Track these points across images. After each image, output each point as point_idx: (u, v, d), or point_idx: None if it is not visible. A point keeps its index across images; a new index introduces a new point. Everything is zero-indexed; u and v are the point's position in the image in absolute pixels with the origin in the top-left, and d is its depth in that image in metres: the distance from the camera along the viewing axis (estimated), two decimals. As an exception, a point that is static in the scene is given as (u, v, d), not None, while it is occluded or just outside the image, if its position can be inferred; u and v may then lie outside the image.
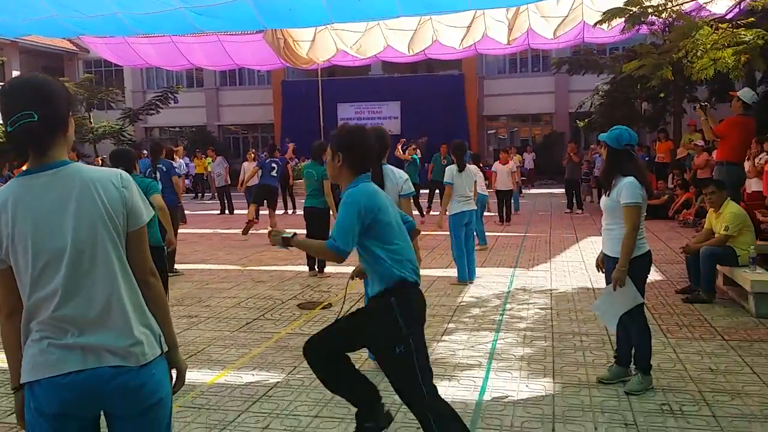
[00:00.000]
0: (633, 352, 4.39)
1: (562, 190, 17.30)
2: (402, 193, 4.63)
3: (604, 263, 4.54)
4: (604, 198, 4.51)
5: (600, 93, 19.43)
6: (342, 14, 13.51)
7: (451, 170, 7.74)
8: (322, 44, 20.16)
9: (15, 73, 31.30)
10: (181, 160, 15.45)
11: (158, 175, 8.78)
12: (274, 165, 11.81)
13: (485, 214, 12.09)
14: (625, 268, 4.23)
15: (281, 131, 30.40)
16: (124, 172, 2.08)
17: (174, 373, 2.17)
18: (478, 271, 8.41)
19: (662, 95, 16.83)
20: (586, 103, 21.93)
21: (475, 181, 8.00)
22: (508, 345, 5.29)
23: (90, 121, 29.71)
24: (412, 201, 4.72)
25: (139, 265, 2.05)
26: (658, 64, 7.66)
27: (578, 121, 19.78)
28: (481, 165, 14.71)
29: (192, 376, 4.69)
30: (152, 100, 31.20)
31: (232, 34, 19.99)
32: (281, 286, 7.80)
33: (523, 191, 20.84)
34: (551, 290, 7.29)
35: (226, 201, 17.56)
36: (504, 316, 6.19)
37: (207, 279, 8.39)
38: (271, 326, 6.02)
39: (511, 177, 14.62)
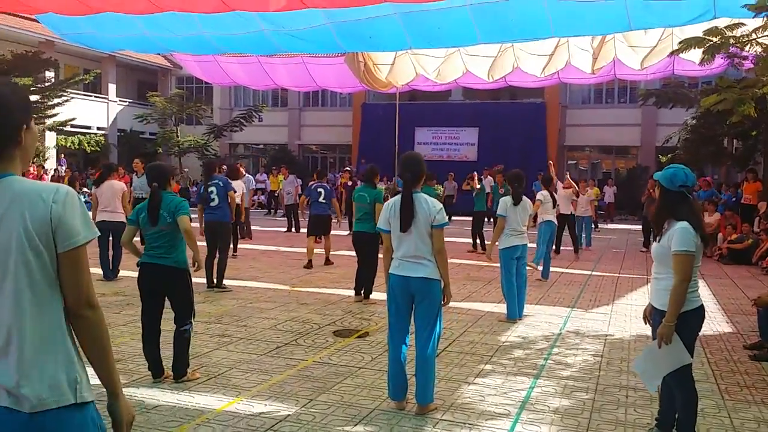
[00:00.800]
0: (677, 416, 3.91)
1: (641, 227, 16.46)
2: (434, 224, 4.36)
3: (652, 316, 4.08)
4: (654, 243, 4.07)
5: (687, 128, 18.43)
6: (421, 40, 13.43)
7: (505, 202, 7.37)
8: (402, 68, 20.17)
9: (111, 87, 32.98)
10: (248, 176, 15.57)
11: (215, 190, 8.78)
12: (320, 190, 11.13)
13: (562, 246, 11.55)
14: (673, 323, 3.77)
15: (358, 152, 30.57)
16: (64, 187, 1.84)
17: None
18: (532, 308, 7.98)
19: (754, 133, 15.75)
20: (673, 137, 20.89)
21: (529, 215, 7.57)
22: (545, 394, 4.87)
23: (177, 135, 30.82)
24: (444, 231, 4.43)
25: (72, 294, 1.80)
26: (740, 99, 7.06)
27: (661, 156, 18.83)
28: (553, 190, 14.18)
29: (204, 400, 4.55)
30: (237, 118, 32.12)
31: (316, 56, 20.31)
32: (323, 310, 7.61)
33: (599, 225, 20.01)
34: (606, 336, 6.76)
35: (293, 219, 17.65)
36: (548, 361, 5.75)
37: (252, 297, 8.30)
38: (300, 353, 5.81)
39: (588, 205, 14.24)
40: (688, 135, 17.98)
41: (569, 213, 13.29)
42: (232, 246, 11.94)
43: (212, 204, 8.82)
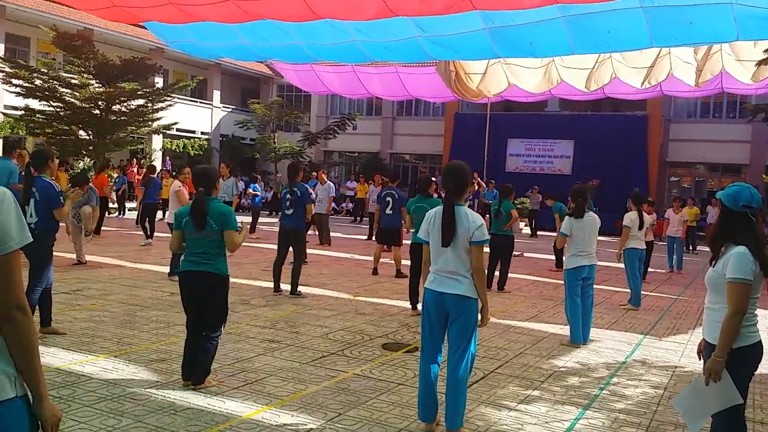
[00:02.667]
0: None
1: (742, 251, 15.29)
2: (473, 240, 4.15)
3: (704, 350, 3.69)
4: (709, 269, 3.68)
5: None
6: (507, 50, 13.13)
7: (569, 220, 6.98)
8: (494, 78, 19.83)
9: (216, 93, 34.37)
10: (330, 183, 15.71)
11: (292, 198, 8.72)
12: (389, 199, 10.59)
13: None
14: (723, 358, 3.39)
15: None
16: (3, 189, 1.83)
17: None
18: (602, 333, 7.54)
19: None
20: (785, 156, 19.40)
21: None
22: (590, 427, 4.53)
23: (274, 141, 31.74)
24: (483, 248, 4.20)
25: (2, 297, 1.79)
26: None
27: (765, 176, 17.49)
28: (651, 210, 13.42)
29: (234, 406, 4.53)
30: (331, 125, 32.73)
31: (409, 66, 20.33)
32: (379, 322, 7.48)
33: (698, 248, 18.82)
34: (675, 367, 6.25)
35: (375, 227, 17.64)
36: (603, 391, 5.36)
37: (313, 304, 8.30)
38: (343, 363, 5.71)
39: (680, 225, 13.39)
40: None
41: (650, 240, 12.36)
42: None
43: (288, 212, 8.80)
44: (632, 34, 11.16)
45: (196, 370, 4.87)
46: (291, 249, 8.92)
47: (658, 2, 9.78)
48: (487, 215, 10.84)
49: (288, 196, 8.83)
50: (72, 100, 21.45)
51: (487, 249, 10.24)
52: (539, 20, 10.96)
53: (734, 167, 28.35)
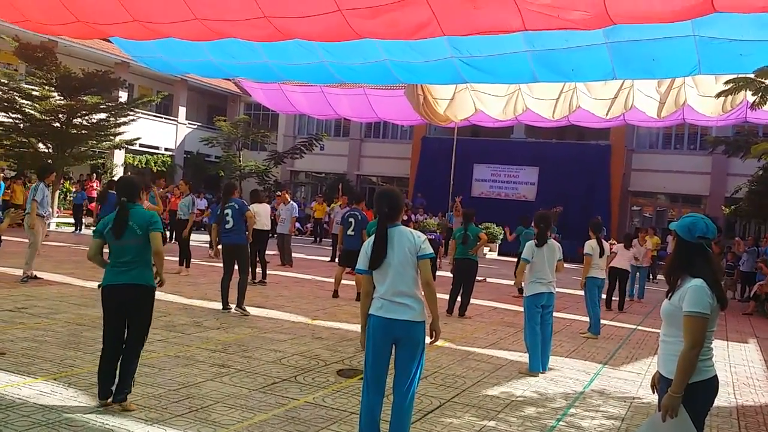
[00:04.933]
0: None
1: (701, 281, 15.47)
2: (421, 254, 4.06)
3: (659, 384, 3.61)
4: (665, 301, 3.60)
5: (755, 179, 17.43)
6: (474, 76, 13.20)
7: (530, 245, 6.93)
8: (461, 103, 19.98)
9: (181, 109, 33.97)
10: (293, 203, 15.52)
11: (230, 212, 8.72)
12: (351, 220, 10.42)
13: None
14: (680, 394, 3.30)
15: (414, 186, 30.37)
16: None
17: None
18: (561, 362, 7.47)
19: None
20: (743, 188, 19.80)
21: (559, 260, 7.04)
22: (545, 461, 4.41)
23: (239, 160, 31.41)
24: (430, 262, 4.11)
25: None
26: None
27: (724, 207, 17.83)
28: (610, 242, 13.50)
29: (174, 435, 4.29)
30: (298, 145, 32.55)
31: (377, 88, 20.39)
32: (335, 346, 7.30)
33: (659, 277, 19.01)
34: (633, 398, 6.19)
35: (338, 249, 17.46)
36: (560, 423, 5.25)
37: (268, 327, 8.08)
38: (295, 390, 5.51)
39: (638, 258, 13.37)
40: (754, 186, 16.96)
41: (624, 269, 12.36)
42: (261, 272, 11.85)
43: (227, 226, 8.76)
44: (596, 68, 11.39)
45: (120, 387, 4.66)
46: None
47: (621, 37, 9.93)
48: (452, 240, 10.73)
49: (227, 211, 8.78)
50: (32, 112, 20.95)
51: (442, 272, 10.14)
52: (506, 52, 11.09)
53: (694, 198, 28.91)
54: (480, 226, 24.79)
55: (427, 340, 4.16)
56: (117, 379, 4.69)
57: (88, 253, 4.94)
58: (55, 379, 5.29)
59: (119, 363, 4.72)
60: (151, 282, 4.80)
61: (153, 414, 4.64)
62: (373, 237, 4.13)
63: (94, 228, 5.01)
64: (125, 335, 4.78)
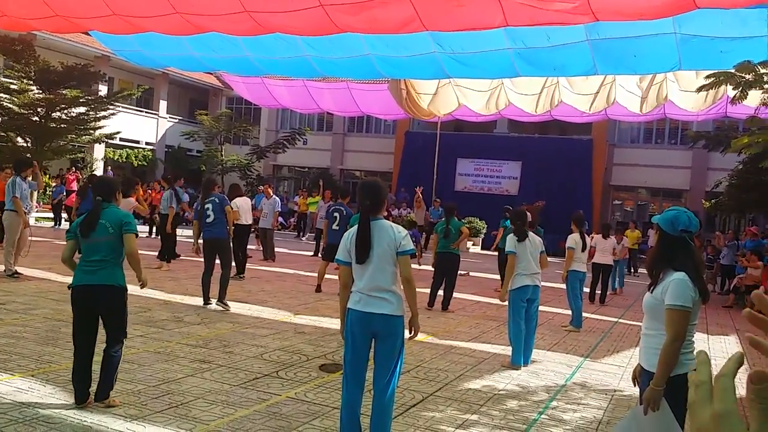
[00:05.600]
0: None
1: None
2: (400, 250, 4.03)
3: (641, 377, 3.62)
4: (647, 294, 3.61)
5: (734, 173, 17.60)
6: (458, 71, 13.20)
7: (512, 238, 6.94)
8: (444, 98, 20.00)
9: (162, 103, 33.64)
10: (275, 198, 15.42)
11: (211, 206, 8.65)
12: (336, 215, 10.23)
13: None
14: (662, 387, 3.31)
15: (398, 181, 30.32)
16: None
17: None
18: (542, 355, 7.49)
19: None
20: (723, 182, 19.97)
21: (542, 252, 7.05)
22: (527, 454, 4.41)
23: (221, 154, 31.16)
24: (409, 258, 4.08)
25: None
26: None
27: (704, 201, 17.99)
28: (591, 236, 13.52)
29: (154, 431, 4.24)
30: (280, 139, 32.35)
31: (361, 82, 20.33)
32: (318, 341, 7.26)
33: (640, 270, 19.13)
34: (614, 391, 6.22)
35: (322, 243, 17.39)
36: (542, 416, 5.26)
37: (250, 322, 8.02)
38: (277, 386, 5.47)
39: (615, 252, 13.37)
40: (734, 180, 17.12)
41: (607, 264, 12.35)
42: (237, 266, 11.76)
43: (208, 221, 8.69)
44: (578, 64, 11.45)
45: (101, 386, 4.60)
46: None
47: (603, 35, 9.96)
48: (433, 234, 10.70)
49: (207, 205, 8.73)
50: (10, 105, 20.64)
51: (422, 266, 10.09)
52: (490, 49, 11.09)
53: (675, 192, 29.12)
54: (463, 220, 25.04)
55: (406, 335, 4.14)
56: (99, 379, 4.62)
57: (63, 254, 4.84)
58: (32, 376, 5.21)
59: (101, 361, 4.65)
60: (121, 282, 4.70)
61: (132, 410, 4.58)
62: (355, 229, 4.09)
63: (68, 229, 4.89)
64: (96, 335, 4.71)
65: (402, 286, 4.09)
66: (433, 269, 10.49)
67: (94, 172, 24.90)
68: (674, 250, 3.51)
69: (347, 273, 4.11)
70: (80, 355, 4.66)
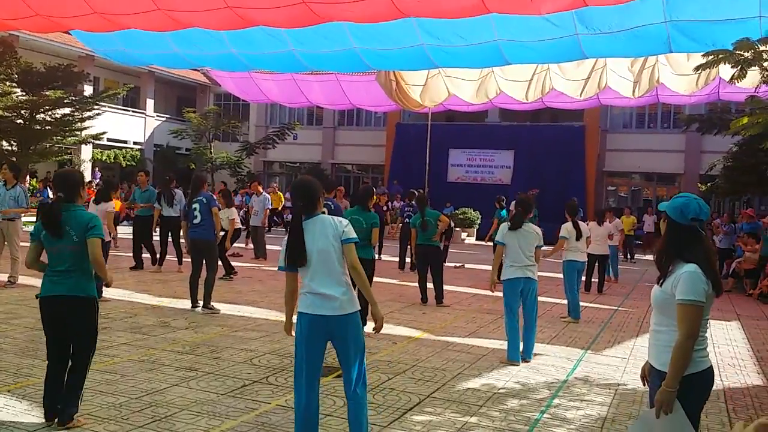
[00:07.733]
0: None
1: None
2: (344, 239, 3.86)
3: (650, 376, 3.37)
4: (655, 287, 3.36)
5: (729, 156, 17.40)
6: (445, 61, 12.94)
7: (503, 228, 6.69)
8: (434, 89, 19.72)
9: (149, 102, 33.23)
10: (266, 194, 15.15)
11: (198, 207, 8.37)
12: (324, 209, 10.41)
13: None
14: (675, 388, 3.06)
15: (389, 173, 30.07)
16: None
17: None
18: (544, 348, 7.28)
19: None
20: (717, 165, 19.78)
21: (538, 247, 6.77)
22: (531, 459, 4.17)
23: (210, 152, 30.81)
24: (354, 246, 3.89)
25: None
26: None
27: (699, 185, 17.81)
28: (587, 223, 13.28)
29: (134, 449, 3.98)
30: (270, 135, 32.02)
31: (350, 74, 20.01)
32: (310, 343, 7.00)
33: (636, 257, 18.97)
34: (618, 385, 5.99)
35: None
36: (544, 415, 5.03)
37: (240, 325, 7.76)
38: (267, 393, 5.22)
39: (612, 239, 13.14)
40: (729, 163, 16.92)
41: (603, 254, 11.97)
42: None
43: (195, 221, 8.40)
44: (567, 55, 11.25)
45: (66, 406, 4.26)
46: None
47: (594, 30, 9.73)
48: (411, 228, 10.36)
49: (194, 206, 8.46)
50: (-7, 109, 20.29)
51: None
52: (479, 42, 10.83)
53: (669, 176, 28.98)
54: (457, 210, 24.80)
55: (369, 328, 3.95)
56: (61, 400, 4.30)
57: (27, 258, 4.53)
58: (8, 391, 4.96)
59: (65, 383, 4.34)
60: (91, 293, 4.39)
61: (112, 426, 4.32)
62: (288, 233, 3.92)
63: (31, 231, 4.55)
64: (70, 349, 4.42)
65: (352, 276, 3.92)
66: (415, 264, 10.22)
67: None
68: (684, 240, 3.26)
69: (291, 278, 3.92)
70: (51, 369, 4.38)
